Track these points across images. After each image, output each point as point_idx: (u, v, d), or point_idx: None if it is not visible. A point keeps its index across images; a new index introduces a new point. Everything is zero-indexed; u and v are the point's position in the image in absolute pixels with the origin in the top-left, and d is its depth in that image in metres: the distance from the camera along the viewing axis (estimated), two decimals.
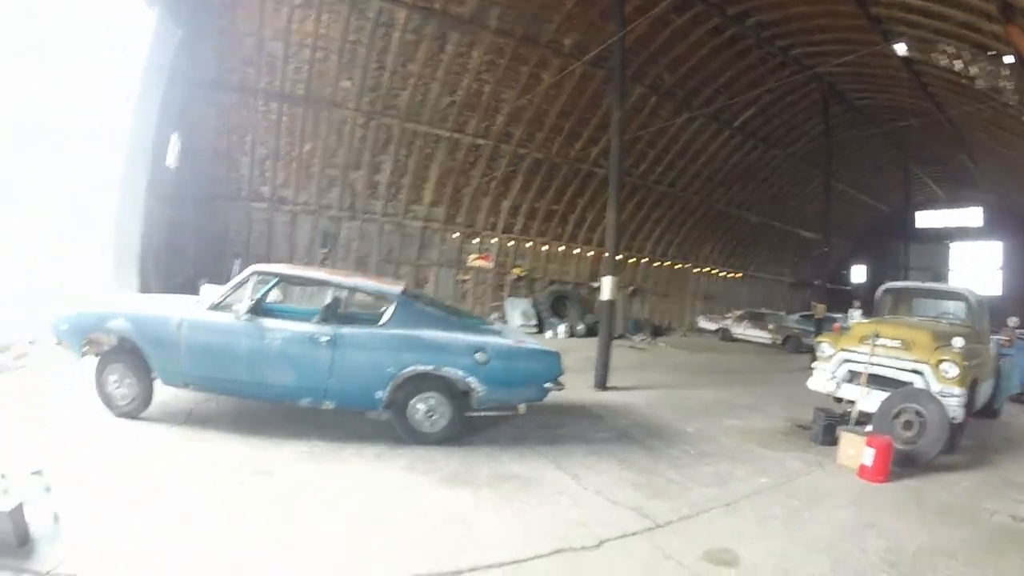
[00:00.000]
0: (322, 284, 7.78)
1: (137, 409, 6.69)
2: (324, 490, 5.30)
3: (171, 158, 16.12)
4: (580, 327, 22.17)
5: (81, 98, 11.29)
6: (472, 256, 22.48)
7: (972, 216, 38.51)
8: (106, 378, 6.67)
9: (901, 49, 16.67)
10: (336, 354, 6.55)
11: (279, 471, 5.62)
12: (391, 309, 6.92)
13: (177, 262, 16.91)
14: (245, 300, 6.77)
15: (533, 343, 7.60)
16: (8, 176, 9.99)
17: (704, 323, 28.30)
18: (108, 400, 6.69)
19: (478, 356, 6.74)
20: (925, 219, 39.93)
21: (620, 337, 15.14)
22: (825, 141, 21.67)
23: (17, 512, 3.89)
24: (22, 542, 3.88)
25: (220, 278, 17.31)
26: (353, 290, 7.80)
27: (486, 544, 4.55)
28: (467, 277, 22.63)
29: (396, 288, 7.27)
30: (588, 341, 18.09)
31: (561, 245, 24.56)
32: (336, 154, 19.15)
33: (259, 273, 7.21)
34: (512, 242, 23.31)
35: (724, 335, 26.27)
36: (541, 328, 21.52)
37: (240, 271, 16.15)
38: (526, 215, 23.08)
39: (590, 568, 4.42)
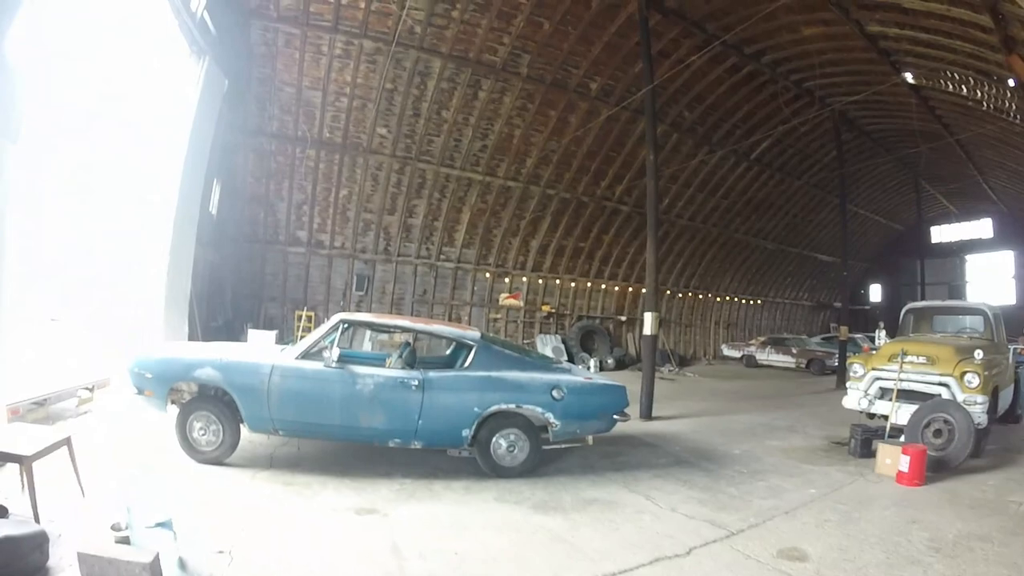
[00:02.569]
0: (406, 331, 8.25)
1: (223, 455, 6.96)
2: (427, 523, 5.69)
3: (212, 204, 16.70)
4: (610, 361, 22.73)
5: (134, 148, 11.70)
6: (503, 295, 22.89)
7: (983, 228, 38.40)
8: (191, 425, 6.90)
9: (909, 77, 17.41)
10: (425, 397, 6.97)
11: (380, 509, 5.97)
12: (472, 353, 7.41)
13: (216, 305, 17.49)
14: (333, 347, 7.11)
15: (601, 378, 8.18)
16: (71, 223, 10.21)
17: (728, 351, 28.47)
18: (191, 447, 6.92)
19: (555, 393, 7.27)
20: (939, 234, 39.96)
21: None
22: (839, 168, 22.13)
23: (155, 564, 3.96)
24: None
25: (259, 321, 18.04)
26: (436, 336, 8.25)
27: (592, 558, 5.11)
28: (499, 315, 23.01)
29: (475, 333, 7.80)
30: (620, 375, 18.60)
31: (588, 281, 24.89)
32: (371, 199, 19.75)
33: (346, 322, 7.70)
34: (541, 280, 23.68)
35: (748, 361, 26.54)
36: (571, 363, 21.65)
37: (303, 319, 16.79)
38: (554, 253, 23.49)
39: (686, 571, 5.01)
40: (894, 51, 16.53)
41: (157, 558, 3.99)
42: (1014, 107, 15.80)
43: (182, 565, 4.36)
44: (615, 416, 7.75)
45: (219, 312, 17.64)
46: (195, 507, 5.48)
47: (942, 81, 17.33)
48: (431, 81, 17.66)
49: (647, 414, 12.09)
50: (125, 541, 4.35)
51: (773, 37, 17.77)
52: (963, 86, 16.85)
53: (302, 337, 14.94)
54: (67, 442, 5.42)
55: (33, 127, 7.11)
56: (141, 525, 4.38)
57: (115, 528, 4.52)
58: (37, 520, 4.57)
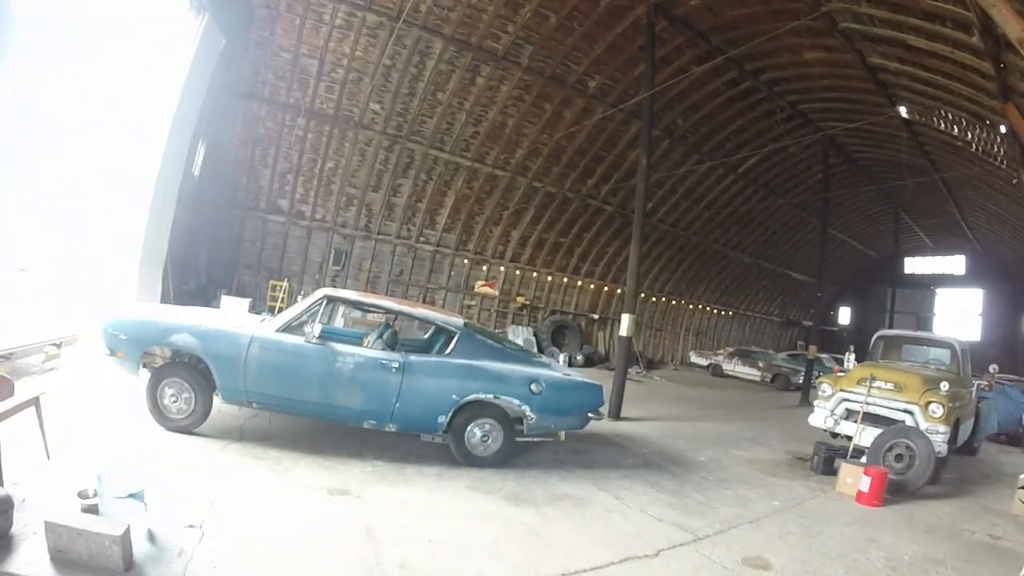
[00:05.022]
0: (391, 312, 8.20)
1: (194, 424, 6.81)
2: (401, 508, 5.67)
3: (196, 165, 16.48)
4: (579, 357, 22.75)
5: (123, 97, 11.34)
6: (479, 282, 22.88)
7: (955, 264, 39.25)
8: (162, 391, 6.74)
9: (903, 111, 17.66)
10: (404, 380, 6.92)
11: (352, 490, 5.92)
12: (455, 340, 7.39)
13: (190, 268, 17.29)
14: (315, 323, 6.97)
15: (579, 376, 8.22)
16: (44, 171, 9.85)
17: (695, 358, 28.72)
18: (161, 414, 6.76)
19: (533, 387, 7.29)
20: (912, 265, 40.60)
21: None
22: (823, 192, 22.46)
23: (125, 536, 3.83)
24: (128, 566, 3.82)
25: (232, 288, 17.87)
26: (420, 320, 8.21)
27: (565, 553, 5.18)
28: (473, 303, 23.00)
29: (459, 320, 7.76)
30: (588, 372, 18.65)
31: (564, 276, 24.95)
32: (357, 174, 19.60)
33: (330, 298, 7.60)
34: (518, 271, 23.70)
35: (715, 371, 26.82)
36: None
37: (280, 290, 16.63)
38: (534, 245, 23.52)
39: (655, 571, 5.13)
40: (892, 84, 16.73)
41: (128, 531, 3.89)
42: (1002, 152, 16.10)
43: (151, 538, 4.25)
44: (590, 414, 7.83)
45: (192, 276, 17.45)
46: (164, 477, 5.26)
47: (935, 119, 17.60)
48: (430, 62, 17.50)
49: (616, 414, 12.24)
50: (92, 509, 4.23)
51: (775, 57, 17.90)
52: (955, 126, 17.12)
53: (282, 309, 14.83)
54: (35, 402, 5.20)
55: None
56: (111, 494, 4.24)
57: (82, 495, 4.34)
58: (1, 483, 4.43)
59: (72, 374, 8.52)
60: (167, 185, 13.05)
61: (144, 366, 7.02)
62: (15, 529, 4.00)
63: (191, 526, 4.53)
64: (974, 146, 17.28)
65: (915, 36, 13.15)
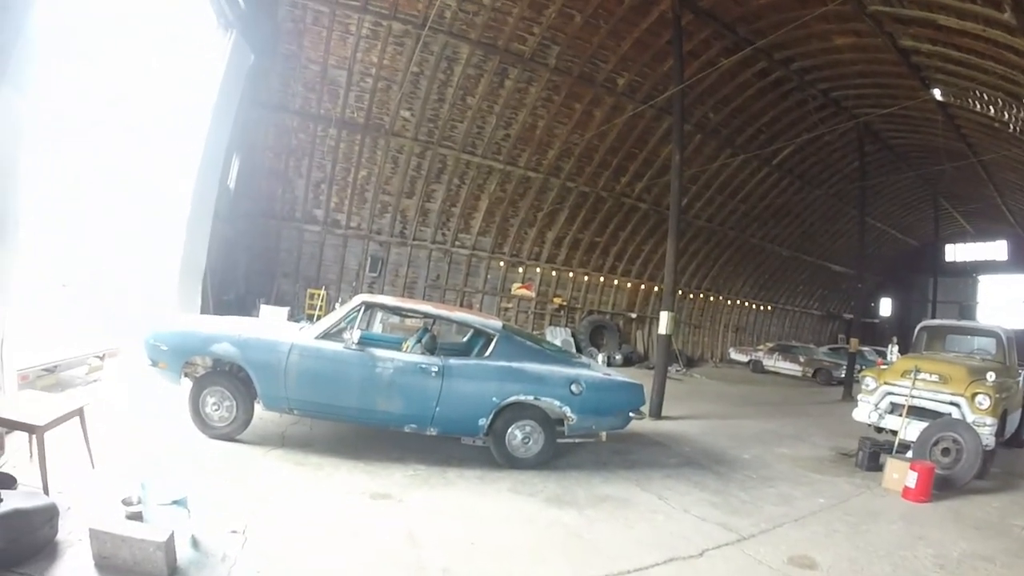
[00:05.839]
0: (428, 316, 8.23)
1: (235, 431, 6.90)
2: (443, 511, 5.67)
3: (231, 178, 16.72)
4: (618, 357, 22.66)
5: (157, 114, 11.44)
6: (516, 285, 22.84)
7: (997, 250, 38.26)
8: (204, 400, 6.85)
9: (938, 94, 17.31)
10: (444, 384, 6.94)
11: (395, 495, 5.92)
12: (493, 342, 7.39)
13: (229, 279, 17.54)
14: (354, 329, 6.99)
15: (619, 376, 8.18)
16: (83, 186, 9.84)
17: (735, 355, 28.29)
18: (203, 422, 6.87)
19: (573, 388, 7.26)
20: (953, 252, 39.75)
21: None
22: (860, 180, 22.13)
23: (169, 542, 3.88)
24: (172, 572, 3.87)
25: (271, 297, 18.10)
26: (458, 324, 8.22)
27: (608, 554, 5.14)
28: (510, 305, 22.99)
29: (497, 322, 7.78)
30: (627, 372, 18.56)
31: (601, 276, 24.78)
32: (390, 181, 19.77)
33: (368, 304, 7.66)
34: (554, 272, 23.64)
35: (755, 367, 26.37)
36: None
37: (317, 298, 16.83)
38: (569, 246, 23.43)
39: (700, 572, 5.07)
40: (925, 67, 16.37)
41: (172, 537, 3.94)
42: None
43: (195, 544, 4.29)
44: (631, 414, 7.79)
45: (231, 286, 17.73)
46: (207, 484, 5.37)
47: (970, 100, 17.23)
48: (458, 67, 17.61)
49: (657, 413, 12.13)
50: (136, 516, 4.30)
51: (804, 45, 17.60)
52: (991, 107, 16.77)
53: (320, 316, 14.99)
54: (79, 412, 5.33)
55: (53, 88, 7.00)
56: (155, 501, 4.30)
57: (126, 503, 4.46)
58: (47, 492, 4.52)
59: (115, 385, 8.65)
60: (203, 198, 13.24)
61: (186, 375, 7.13)
62: (61, 536, 4.10)
63: (234, 531, 4.59)
64: (1011, 126, 16.93)
65: (945, 15, 12.87)
